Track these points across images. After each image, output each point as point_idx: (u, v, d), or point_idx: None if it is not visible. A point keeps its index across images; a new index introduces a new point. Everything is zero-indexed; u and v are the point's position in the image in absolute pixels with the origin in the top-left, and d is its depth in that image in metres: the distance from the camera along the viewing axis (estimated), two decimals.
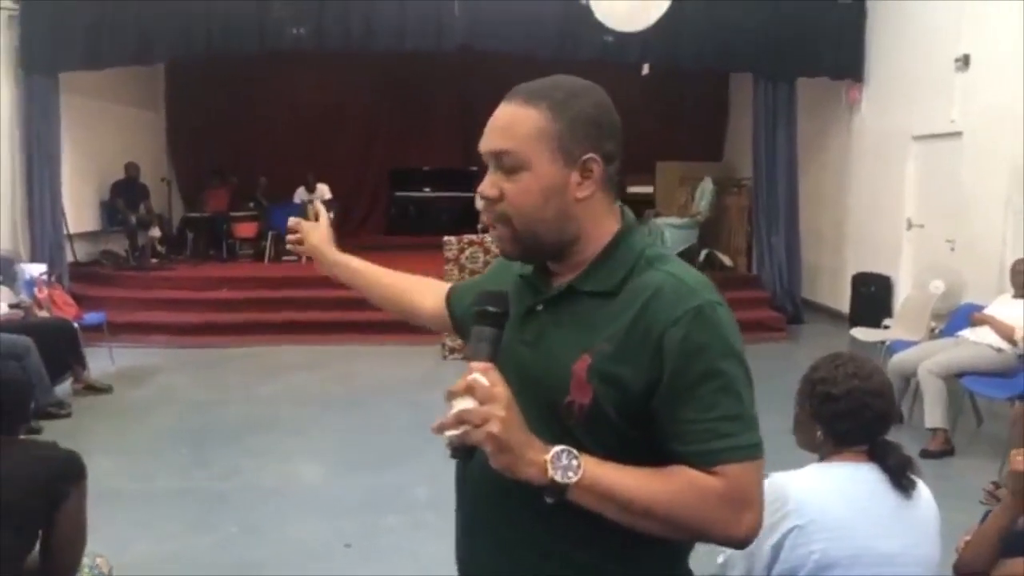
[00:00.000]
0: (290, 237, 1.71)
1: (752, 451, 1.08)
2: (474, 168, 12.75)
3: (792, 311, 8.62)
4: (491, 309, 1.13)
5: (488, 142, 1.16)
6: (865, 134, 8.61)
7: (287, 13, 8.15)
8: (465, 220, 11.86)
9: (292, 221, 1.71)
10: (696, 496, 1.06)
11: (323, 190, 10.69)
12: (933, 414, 4.66)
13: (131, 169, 9.80)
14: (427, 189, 12.88)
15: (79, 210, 9.23)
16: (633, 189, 11.83)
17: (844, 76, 8.67)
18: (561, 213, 1.15)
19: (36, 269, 7.08)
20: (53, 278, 7.09)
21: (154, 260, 9.74)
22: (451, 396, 1.05)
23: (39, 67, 8.11)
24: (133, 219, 9.55)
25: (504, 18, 8.27)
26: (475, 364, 1.08)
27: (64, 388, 5.82)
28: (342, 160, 12.59)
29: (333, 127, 12.52)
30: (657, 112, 12.14)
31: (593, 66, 10.25)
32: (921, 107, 7.58)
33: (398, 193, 12.89)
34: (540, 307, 1.19)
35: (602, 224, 1.19)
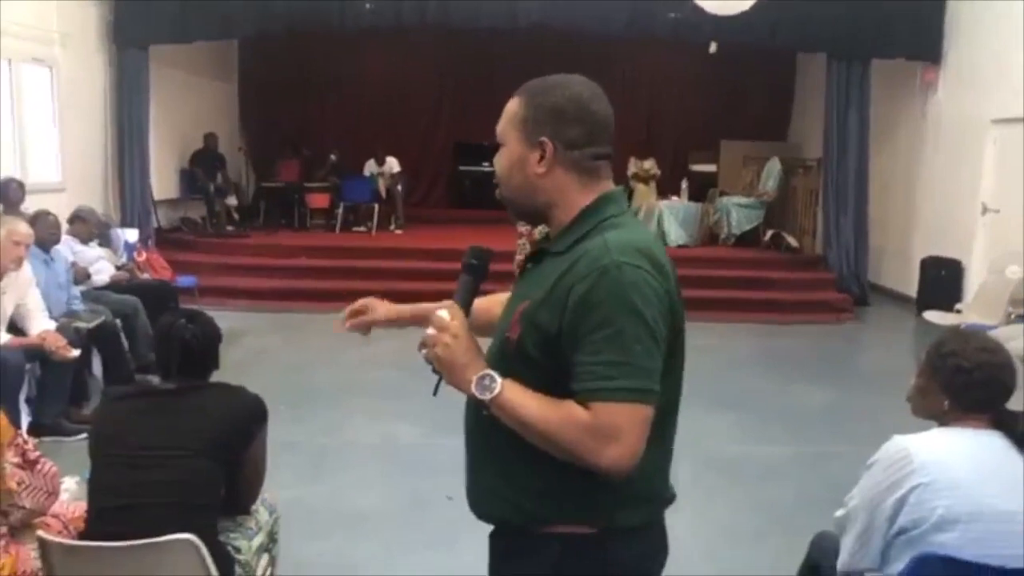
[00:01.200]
0: (352, 322, 1.78)
1: (626, 394, 1.27)
2: None
3: (858, 293, 8.63)
4: (472, 261, 1.45)
5: (496, 127, 1.46)
6: (940, 117, 8.54)
7: None
8: None
9: (360, 304, 1.79)
10: (570, 424, 1.28)
11: (392, 163, 10.93)
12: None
13: (210, 139, 10.15)
14: (487, 164, 13.02)
15: (161, 178, 9.59)
16: (696, 167, 11.86)
17: (921, 57, 8.59)
18: (524, 183, 1.42)
19: (130, 234, 7.44)
20: (149, 242, 7.44)
21: (230, 227, 10.09)
22: (426, 325, 1.41)
23: (131, 41, 8.44)
24: (212, 187, 9.91)
25: None
26: (446, 302, 1.41)
27: None
28: (408, 134, 12.82)
29: (400, 101, 12.74)
30: (721, 91, 12.13)
31: (660, 44, 10.40)
32: (1001, 90, 7.50)
33: (462, 167, 13.10)
34: (530, 265, 1.48)
35: (573, 199, 1.42)
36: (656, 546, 1.48)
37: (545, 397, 1.31)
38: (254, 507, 2.32)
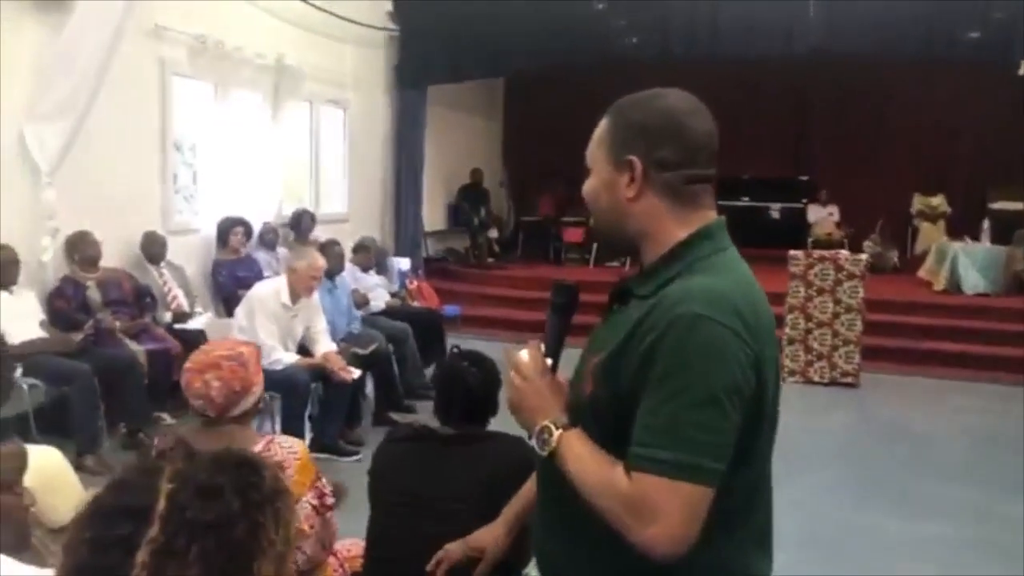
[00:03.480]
0: None
1: (669, 469, 1.09)
2: (804, 177, 12.09)
3: None
4: (558, 301, 1.37)
5: (586, 153, 1.35)
6: None
7: (628, 22, 8.26)
8: (787, 232, 11.27)
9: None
10: (610, 492, 1.14)
11: None
12: None
13: (476, 174, 10.61)
14: (745, 199, 12.41)
15: (431, 210, 10.14)
16: (996, 205, 10.41)
17: None
18: (613, 209, 1.28)
19: (403, 263, 7.90)
20: (420, 271, 7.84)
21: (490, 259, 10.44)
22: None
23: (412, 82, 9.04)
24: (476, 220, 10.32)
25: (862, 18, 7.64)
26: (531, 342, 1.34)
27: (427, 372, 6.37)
28: None
29: None
30: None
31: (953, 67, 9.27)
32: None
33: (720, 202, 12.53)
34: (615, 307, 1.31)
35: (667, 229, 1.25)
36: None
37: (602, 455, 1.19)
38: (526, 571, 2.16)
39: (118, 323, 4.97)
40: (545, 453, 1.23)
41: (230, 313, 5.94)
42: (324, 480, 1.99)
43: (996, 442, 5.44)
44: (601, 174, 1.30)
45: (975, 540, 3.90)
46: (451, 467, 1.97)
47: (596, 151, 1.31)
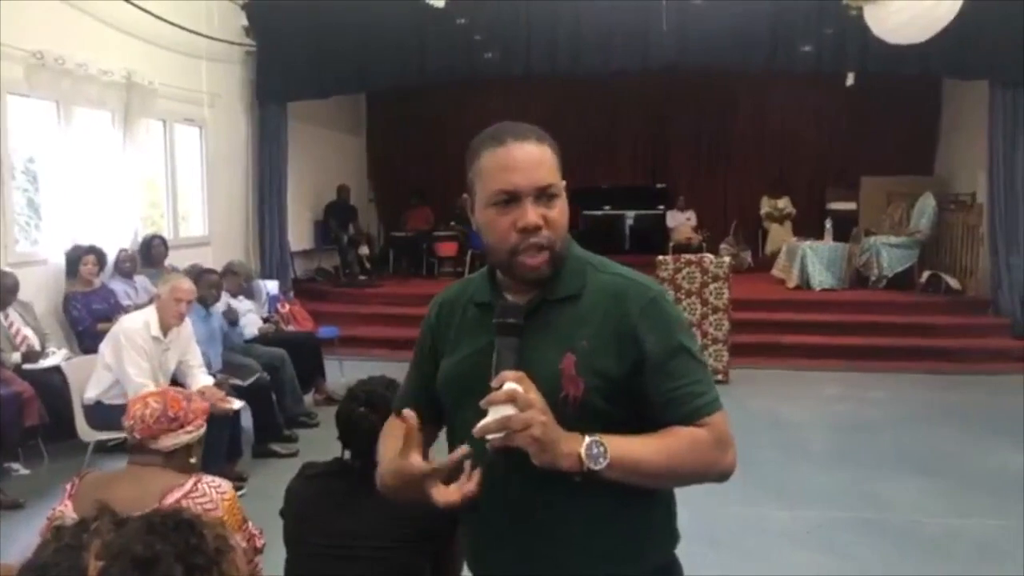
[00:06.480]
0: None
1: (719, 403, 1.35)
2: (661, 185, 12.61)
3: None
4: (511, 321, 1.30)
5: (538, 178, 1.32)
6: None
7: (490, 38, 8.33)
8: (648, 238, 11.73)
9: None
10: (696, 446, 1.30)
11: None
12: None
13: (343, 191, 10.36)
14: (608, 208, 12.81)
15: (296, 229, 9.81)
16: (834, 205, 11.26)
17: None
18: (567, 229, 1.38)
19: (271, 285, 7.58)
20: (291, 294, 7.54)
21: (362, 277, 10.20)
22: (490, 403, 1.20)
23: (271, 98, 8.73)
24: (345, 238, 10.07)
25: (710, 32, 8.05)
26: (508, 373, 1.22)
27: (307, 399, 6.14)
28: None
29: None
30: (860, 124, 11.53)
31: (790, 79, 9.98)
32: None
33: (584, 212, 12.90)
34: (513, 320, 1.33)
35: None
36: None
37: (644, 437, 1.29)
38: None
39: None
40: (603, 464, 1.22)
41: (86, 349, 5.50)
42: (252, 527, 1.85)
43: (857, 426, 5.85)
44: (562, 199, 1.36)
45: (852, 520, 4.16)
46: (373, 503, 1.86)
47: (556, 177, 1.35)
